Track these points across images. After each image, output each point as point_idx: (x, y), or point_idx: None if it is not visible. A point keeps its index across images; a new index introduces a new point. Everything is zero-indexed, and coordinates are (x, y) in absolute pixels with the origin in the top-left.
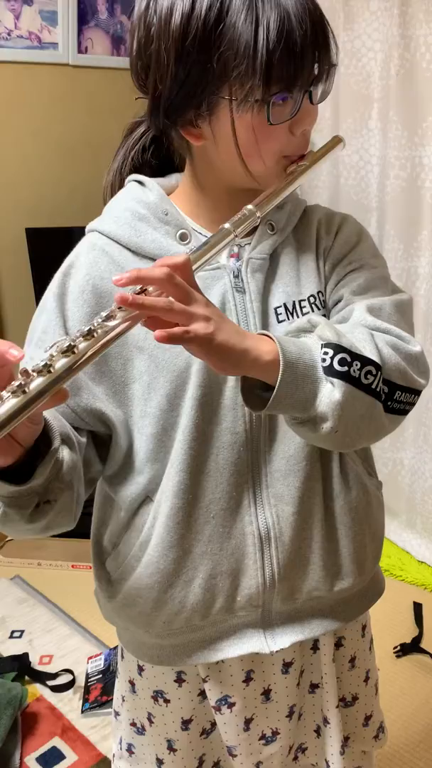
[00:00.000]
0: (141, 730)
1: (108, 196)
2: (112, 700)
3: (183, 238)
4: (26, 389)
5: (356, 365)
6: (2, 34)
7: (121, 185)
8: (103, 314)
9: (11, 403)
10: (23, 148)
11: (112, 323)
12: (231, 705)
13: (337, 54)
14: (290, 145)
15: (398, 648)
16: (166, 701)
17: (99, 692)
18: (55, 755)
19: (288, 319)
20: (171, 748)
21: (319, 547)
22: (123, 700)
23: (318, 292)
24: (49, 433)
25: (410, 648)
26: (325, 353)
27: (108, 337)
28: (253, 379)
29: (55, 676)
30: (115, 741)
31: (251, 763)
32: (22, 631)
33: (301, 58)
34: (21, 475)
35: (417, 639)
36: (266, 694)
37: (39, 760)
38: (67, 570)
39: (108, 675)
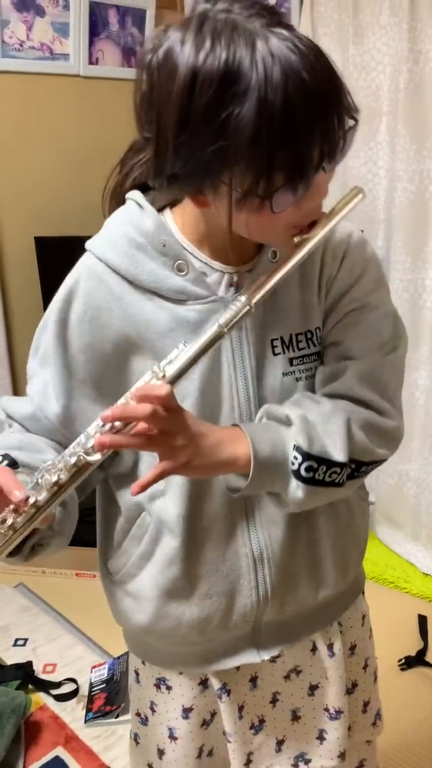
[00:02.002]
0: (144, 721)
1: (107, 204)
2: (115, 710)
3: (180, 269)
4: (15, 525)
5: (322, 469)
6: (15, 45)
7: (120, 198)
8: (84, 440)
9: None
10: (34, 157)
11: (92, 458)
12: (228, 692)
13: (356, 114)
14: (298, 216)
15: (403, 661)
16: (168, 688)
17: (102, 702)
18: (58, 765)
19: (283, 352)
20: (172, 737)
21: (305, 560)
22: (131, 690)
23: (316, 329)
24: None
25: (415, 661)
26: (295, 457)
27: (87, 471)
28: None
29: (58, 685)
30: (130, 729)
31: (243, 752)
32: (25, 640)
33: (309, 147)
34: None
35: (422, 652)
36: (253, 681)
37: None
38: (72, 578)
39: (112, 685)
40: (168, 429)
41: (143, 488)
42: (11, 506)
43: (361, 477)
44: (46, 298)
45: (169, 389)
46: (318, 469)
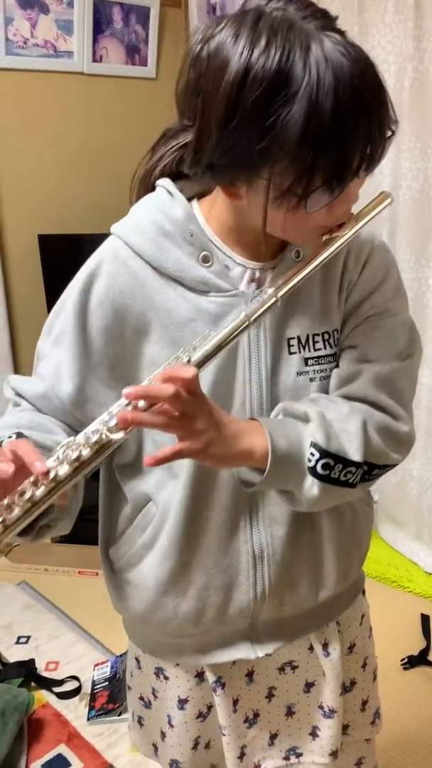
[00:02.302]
0: (148, 704)
1: (134, 192)
2: (118, 707)
3: (205, 260)
4: (33, 499)
5: (338, 468)
6: (19, 42)
7: (148, 185)
8: (107, 418)
9: (17, 512)
10: (37, 154)
11: (115, 436)
12: (223, 685)
13: (396, 126)
14: (328, 220)
15: (405, 660)
16: (166, 678)
17: (105, 700)
18: (61, 762)
19: (299, 352)
20: (170, 724)
21: (306, 562)
22: (132, 675)
23: (334, 330)
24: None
25: (418, 660)
26: (312, 454)
27: (109, 449)
28: None
29: (61, 682)
30: (129, 712)
31: (237, 745)
32: (28, 637)
33: (350, 155)
34: None
35: (424, 651)
36: (249, 675)
37: (45, 767)
38: (74, 576)
39: (114, 682)
40: (190, 412)
41: (157, 462)
42: (31, 479)
43: (372, 480)
44: (50, 296)
45: (195, 372)
46: (334, 467)
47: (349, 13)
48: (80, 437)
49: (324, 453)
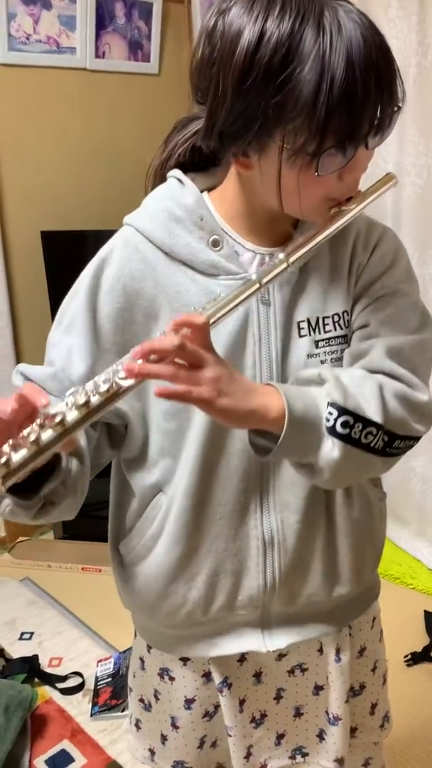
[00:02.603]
0: (148, 707)
1: (149, 184)
2: (121, 704)
3: (215, 244)
4: (39, 441)
5: (358, 427)
6: (21, 38)
7: (163, 176)
8: (119, 367)
9: (22, 453)
10: (40, 150)
11: (126, 383)
12: (230, 686)
13: (403, 98)
14: (337, 190)
15: (409, 657)
16: (171, 678)
17: (108, 696)
18: (64, 758)
19: (309, 334)
20: (174, 725)
21: (320, 554)
22: (134, 677)
23: (344, 312)
24: (59, 453)
25: (421, 657)
26: (330, 413)
27: (120, 397)
28: None
29: (64, 678)
30: (128, 715)
31: (243, 745)
32: (31, 633)
33: (361, 115)
34: (29, 483)
35: (428, 648)
36: (257, 676)
37: (48, 762)
38: (77, 572)
39: (118, 678)
40: (198, 362)
41: (170, 396)
42: (37, 421)
43: (394, 455)
44: (53, 293)
45: (206, 319)
46: (354, 426)
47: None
48: (89, 385)
49: (342, 410)
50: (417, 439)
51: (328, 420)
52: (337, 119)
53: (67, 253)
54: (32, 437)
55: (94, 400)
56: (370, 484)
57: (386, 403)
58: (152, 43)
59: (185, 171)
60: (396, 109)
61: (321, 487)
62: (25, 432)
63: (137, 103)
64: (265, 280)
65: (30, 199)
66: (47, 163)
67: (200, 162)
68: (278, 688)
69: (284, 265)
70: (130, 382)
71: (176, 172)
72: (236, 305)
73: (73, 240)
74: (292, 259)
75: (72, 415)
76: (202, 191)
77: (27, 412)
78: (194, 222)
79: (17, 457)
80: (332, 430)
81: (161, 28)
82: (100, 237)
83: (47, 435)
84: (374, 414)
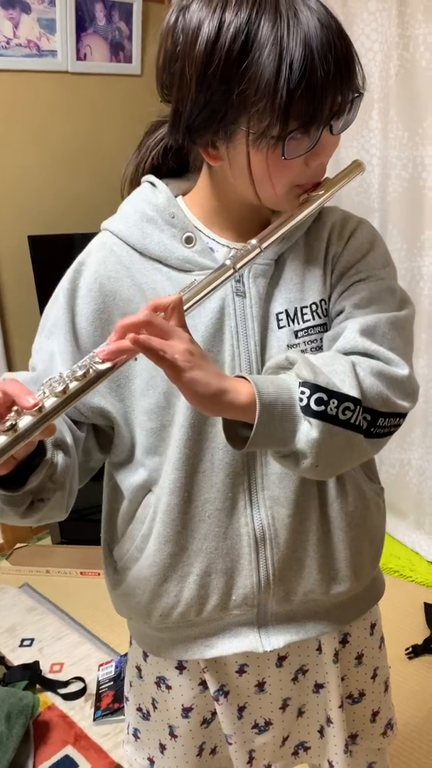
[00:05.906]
0: (146, 716)
1: (125, 190)
2: (124, 707)
3: (188, 241)
4: (17, 428)
5: (333, 403)
6: (1, 43)
7: (138, 182)
8: (95, 353)
9: (1, 440)
10: (24, 155)
11: (102, 367)
12: (226, 694)
13: (363, 83)
14: (304, 175)
15: (410, 649)
16: (168, 687)
17: (111, 699)
18: (68, 764)
19: (288, 325)
20: (172, 734)
21: (314, 550)
22: (131, 686)
23: (321, 300)
24: (44, 444)
25: (422, 649)
26: (302, 392)
27: (98, 381)
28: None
29: (66, 684)
30: (125, 725)
31: (245, 751)
32: (32, 640)
33: (322, 97)
34: (15, 478)
35: (429, 640)
36: (260, 686)
37: None
38: (76, 577)
39: (119, 682)
40: (168, 334)
41: (141, 345)
42: (15, 408)
43: (381, 435)
44: (42, 297)
45: (178, 298)
46: (329, 402)
47: (332, 1)
48: (66, 372)
49: (315, 387)
50: (403, 416)
51: (301, 400)
52: (298, 101)
53: (55, 257)
54: (8, 424)
55: (72, 386)
56: (365, 477)
57: (361, 379)
58: (134, 44)
59: (161, 177)
60: (357, 94)
61: (312, 479)
62: (3, 420)
63: (121, 105)
64: (238, 265)
65: (16, 204)
66: (31, 168)
67: (175, 166)
68: (284, 698)
69: (257, 251)
70: (106, 365)
71: (149, 177)
72: (211, 290)
73: (61, 243)
74: (264, 244)
75: (50, 402)
76: (177, 195)
77: (7, 404)
78: (166, 220)
79: None
80: (307, 409)
81: (142, 29)
82: (87, 240)
83: (25, 421)
84: (349, 389)
